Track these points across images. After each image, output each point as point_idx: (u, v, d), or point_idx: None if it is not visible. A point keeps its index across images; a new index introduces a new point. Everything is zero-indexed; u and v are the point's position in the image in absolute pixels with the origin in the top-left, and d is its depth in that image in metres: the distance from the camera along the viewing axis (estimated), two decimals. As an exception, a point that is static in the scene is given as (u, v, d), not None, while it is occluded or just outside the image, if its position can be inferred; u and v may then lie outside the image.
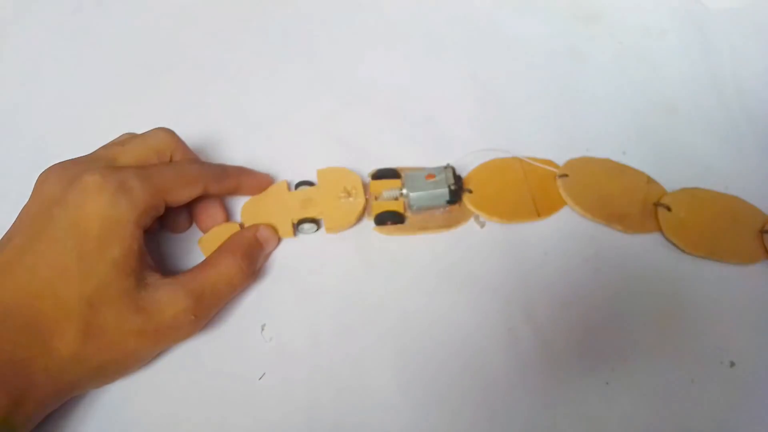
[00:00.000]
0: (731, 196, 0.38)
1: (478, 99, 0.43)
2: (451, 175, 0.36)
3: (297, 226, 0.35)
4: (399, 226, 0.36)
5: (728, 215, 0.38)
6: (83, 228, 0.26)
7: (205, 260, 0.32)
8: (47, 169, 0.29)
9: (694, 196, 0.38)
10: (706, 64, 0.46)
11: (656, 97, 0.44)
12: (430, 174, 0.36)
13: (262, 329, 0.33)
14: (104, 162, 0.29)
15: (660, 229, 0.37)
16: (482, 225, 0.37)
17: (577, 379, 0.32)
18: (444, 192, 0.36)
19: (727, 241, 0.36)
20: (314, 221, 0.35)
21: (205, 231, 0.34)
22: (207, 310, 0.30)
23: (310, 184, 0.36)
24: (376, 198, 0.37)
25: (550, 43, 0.46)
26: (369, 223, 0.36)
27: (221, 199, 0.35)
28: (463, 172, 0.38)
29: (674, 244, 0.36)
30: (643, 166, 0.39)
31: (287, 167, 0.38)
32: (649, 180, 0.39)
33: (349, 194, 0.35)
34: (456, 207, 0.37)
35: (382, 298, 0.34)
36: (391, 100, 0.42)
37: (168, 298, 0.28)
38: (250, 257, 0.32)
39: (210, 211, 0.34)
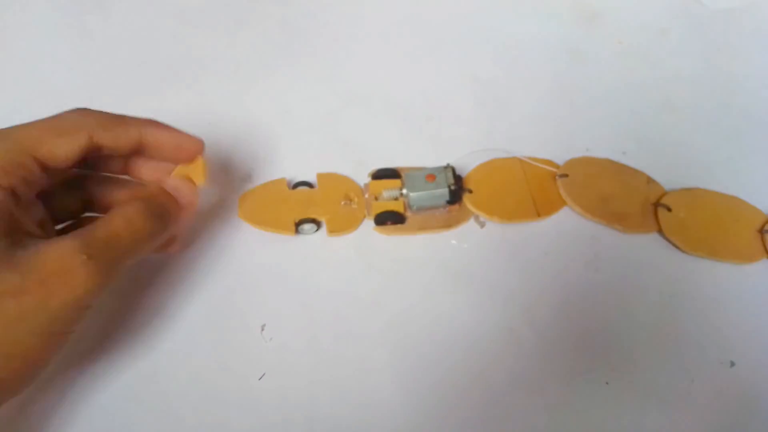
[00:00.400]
0: (731, 196, 0.38)
1: (478, 99, 0.43)
2: (451, 175, 0.36)
3: (298, 225, 0.35)
4: (399, 226, 0.36)
5: (728, 215, 0.38)
6: None
7: None
8: None
9: (693, 196, 0.38)
10: (706, 64, 0.46)
11: (656, 97, 0.44)
12: (430, 174, 0.36)
13: (262, 329, 0.33)
14: None
15: (660, 229, 0.37)
16: (482, 225, 0.37)
17: (577, 379, 0.32)
18: (444, 192, 0.36)
19: (727, 240, 0.36)
20: (315, 222, 0.35)
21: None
22: (103, 252, 0.25)
23: (308, 185, 0.37)
24: (376, 198, 0.37)
25: (550, 43, 0.46)
26: (369, 223, 0.36)
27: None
28: (463, 172, 0.38)
29: (674, 244, 0.36)
30: (642, 166, 0.39)
31: (287, 167, 0.38)
32: (649, 180, 0.39)
33: (351, 200, 0.36)
34: (456, 207, 0.37)
35: (381, 298, 0.34)
36: (391, 100, 0.42)
37: (50, 245, 0.24)
38: (152, 203, 0.29)
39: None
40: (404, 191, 0.36)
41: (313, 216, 0.35)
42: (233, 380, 0.31)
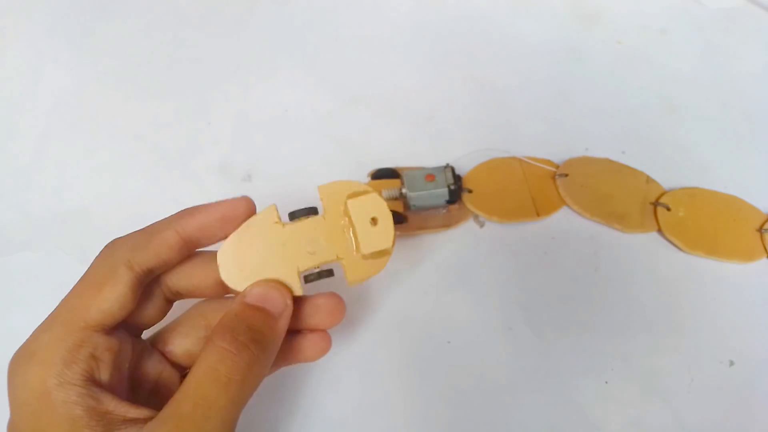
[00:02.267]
0: (730, 196, 0.38)
1: (478, 99, 0.43)
2: (450, 174, 0.36)
3: (305, 277, 0.26)
4: (399, 226, 0.36)
5: (727, 214, 0.38)
6: None
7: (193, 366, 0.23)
8: None
9: (693, 195, 0.38)
10: (706, 64, 0.46)
11: (655, 97, 0.44)
12: (430, 174, 0.36)
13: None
14: None
15: (659, 229, 0.37)
16: (482, 225, 0.37)
17: (577, 379, 0.32)
18: (443, 192, 0.36)
19: (726, 240, 0.36)
20: (327, 271, 0.26)
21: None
22: (200, 428, 0.22)
23: (310, 212, 0.27)
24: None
25: (550, 43, 0.46)
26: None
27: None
28: (462, 172, 0.38)
29: (673, 243, 0.36)
30: (642, 165, 0.39)
31: (288, 169, 0.38)
32: (648, 179, 0.39)
33: (374, 222, 0.26)
34: (455, 207, 0.37)
35: (381, 298, 0.34)
36: (391, 100, 0.42)
37: None
38: (240, 333, 0.23)
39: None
40: (404, 191, 0.36)
41: (323, 260, 0.26)
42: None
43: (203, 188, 0.38)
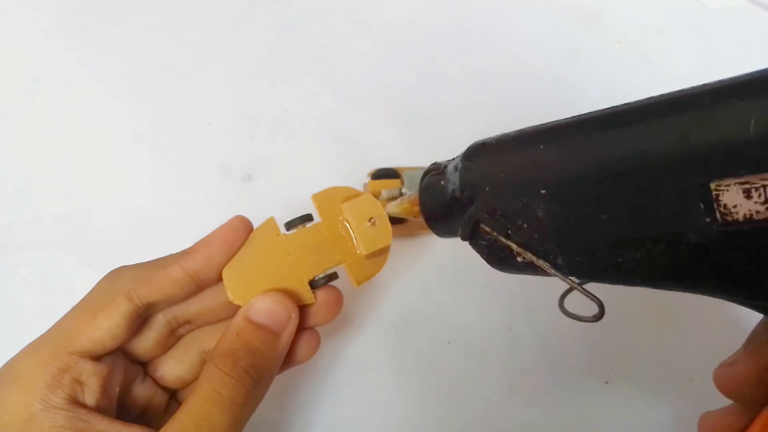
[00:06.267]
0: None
1: (478, 99, 0.43)
2: (450, 174, 0.36)
3: (312, 284, 0.26)
4: (399, 226, 0.36)
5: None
6: None
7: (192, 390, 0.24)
8: None
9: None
10: (705, 64, 0.46)
11: (656, 97, 0.44)
12: (430, 174, 0.36)
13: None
14: None
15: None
16: (482, 225, 0.37)
17: (577, 379, 0.32)
18: (444, 192, 0.36)
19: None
20: (333, 274, 0.27)
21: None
22: None
23: (305, 219, 0.27)
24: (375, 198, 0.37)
25: (550, 43, 0.46)
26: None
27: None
28: (462, 172, 0.38)
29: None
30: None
31: (288, 169, 0.38)
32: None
33: (372, 222, 0.27)
34: (456, 207, 0.37)
35: (381, 298, 0.34)
36: (391, 100, 0.42)
37: None
38: (241, 359, 0.23)
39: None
40: (404, 191, 0.36)
41: (328, 265, 0.27)
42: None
43: (203, 188, 0.38)
